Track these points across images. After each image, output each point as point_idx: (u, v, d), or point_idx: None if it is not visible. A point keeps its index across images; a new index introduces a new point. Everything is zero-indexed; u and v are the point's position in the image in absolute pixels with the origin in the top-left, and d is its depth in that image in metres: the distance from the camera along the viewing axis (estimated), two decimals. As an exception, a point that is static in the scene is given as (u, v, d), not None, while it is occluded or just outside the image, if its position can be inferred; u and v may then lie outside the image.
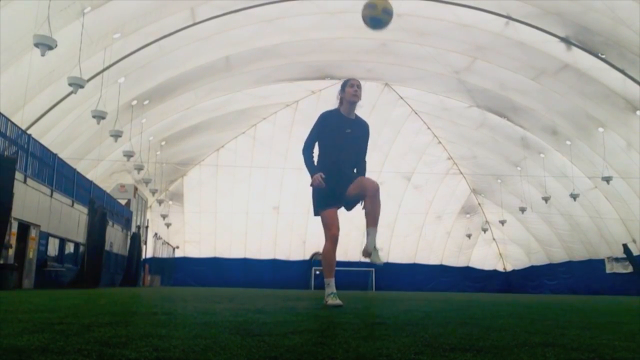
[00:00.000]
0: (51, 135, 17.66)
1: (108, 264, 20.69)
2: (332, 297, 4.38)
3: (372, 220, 4.44)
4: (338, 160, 4.59)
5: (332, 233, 4.45)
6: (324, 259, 4.56)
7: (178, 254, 34.07)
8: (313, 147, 4.68)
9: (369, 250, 4.46)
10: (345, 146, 4.63)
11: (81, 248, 17.80)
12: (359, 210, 4.71)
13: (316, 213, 4.58)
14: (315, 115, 4.99)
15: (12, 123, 12.47)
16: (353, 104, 4.69)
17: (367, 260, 4.53)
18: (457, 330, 2.38)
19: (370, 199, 4.42)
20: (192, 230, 33.66)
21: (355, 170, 4.74)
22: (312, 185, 4.52)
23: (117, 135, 17.24)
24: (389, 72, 25.29)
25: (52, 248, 15.53)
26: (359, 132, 4.74)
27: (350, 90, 4.64)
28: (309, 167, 4.59)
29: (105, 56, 16.12)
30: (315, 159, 4.70)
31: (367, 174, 4.88)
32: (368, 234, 4.49)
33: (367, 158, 4.95)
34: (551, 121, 23.85)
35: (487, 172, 31.08)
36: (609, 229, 26.42)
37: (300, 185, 27.43)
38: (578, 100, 21.31)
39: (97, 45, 15.71)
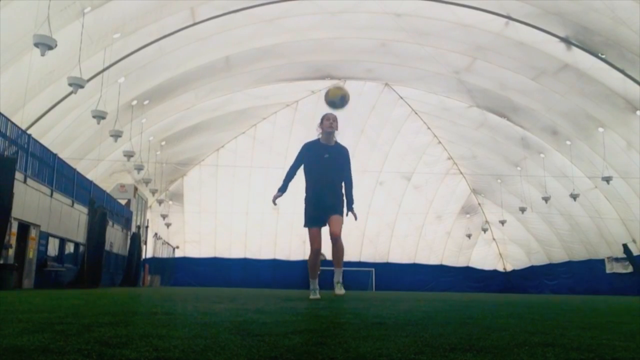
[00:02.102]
0: (51, 135, 17.66)
1: (108, 264, 20.69)
2: (312, 292, 5.67)
3: (336, 263, 5.59)
4: (319, 180, 5.59)
5: (314, 247, 5.55)
6: (308, 265, 5.73)
7: (178, 254, 34.07)
8: (294, 171, 5.72)
9: (334, 285, 5.59)
10: (324, 168, 5.56)
11: (81, 248, 17.79)
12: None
13: (305, 226, 5.62)
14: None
15: (12, 123, 12.46)
16: (329, 134, 5.59)
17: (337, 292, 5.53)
18: (457, 330, 2.38)
19: (333, 245, 5.48)
20: (192, 230, 33.65)
21: (339, 185, 5.65)
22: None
23: (117, 135, 17.24)
24: (389, 72, 25.28)
25: (52, 248, 15.51)
26: (337, 155, 5.63)
27: (326, 123, 5.58)
28: (281, 185, 5.73)
29: (105, 56, 16.12)
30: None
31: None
32: (334, 273, 5.61)
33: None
34: (551, 121, 23.85)
35: (487, 172, 31.07)
36: (609, 229, 26.41)
37: (300, 185, 27.38)
38: (578, 100, 21.31)
39: (97, 45, 15.71)
